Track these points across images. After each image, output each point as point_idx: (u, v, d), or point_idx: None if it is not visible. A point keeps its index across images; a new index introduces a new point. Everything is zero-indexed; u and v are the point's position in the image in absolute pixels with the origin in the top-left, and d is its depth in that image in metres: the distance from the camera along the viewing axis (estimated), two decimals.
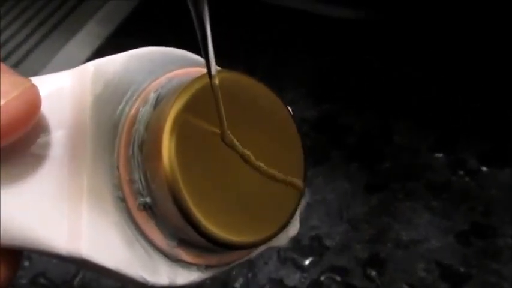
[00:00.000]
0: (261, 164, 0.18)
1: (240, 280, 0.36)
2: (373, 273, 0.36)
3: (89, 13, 0.52)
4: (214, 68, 0.16)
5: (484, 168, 0.40)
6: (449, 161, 0.41)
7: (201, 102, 0.17)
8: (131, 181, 0.17)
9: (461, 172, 0.40)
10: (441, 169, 0.40)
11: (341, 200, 0.39)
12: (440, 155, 0.41)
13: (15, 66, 0.49)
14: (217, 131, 0.17)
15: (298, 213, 0.20)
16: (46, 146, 0.17)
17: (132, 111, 0.18)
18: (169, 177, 0.16)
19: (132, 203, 0.17)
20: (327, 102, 0.44)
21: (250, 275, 0.36)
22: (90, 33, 0.51)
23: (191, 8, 0.15)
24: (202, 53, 0.16)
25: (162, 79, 0.19)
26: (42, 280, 0.36)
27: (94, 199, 0.17)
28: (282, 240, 0.20)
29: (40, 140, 0.17)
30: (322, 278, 0.36)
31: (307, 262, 0.36)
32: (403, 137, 0.42)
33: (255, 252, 0.20)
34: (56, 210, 0.17)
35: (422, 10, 0.46)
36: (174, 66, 0.19)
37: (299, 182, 0.19)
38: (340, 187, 0.40)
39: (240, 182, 0.18)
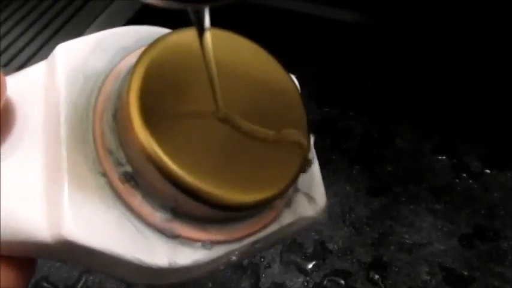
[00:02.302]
0: (252, 125, 0.16)
1: (244, 284, 0.36)
2: (377, 276, 0.36)
3: (91, 16, 0.53)
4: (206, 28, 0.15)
5: (487, 171, 0.40)
6: (452, 164, 0.40)
7: (168, 58, 0.16)
8: (109, 152, 0.16)
9: (464, 175, 0.40)
10: (444, 172, 0.40)
11: (344, 204, 0.39)
12: (443, 158, 0.41)
13: (18, 70, 0.49)
14: (193, 87, 0.16)
15: (320, 182, 0.18)
16: (22, 132, 0.17)
17: (105, 86, 0.17)
18: (142, 137, 0.15)
19: (113, 176, 0.16)
20: (328, 106, 0.44)
21: (253, 278, 0.36)
22: None
23: (192, 17, 0.15)
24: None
25: (135, 53, 0.18)
26: (45, 284, 0.36)
27: (74, 178, 0.16)
28: (310, 210, 0.18)
29: (16, 127, 0.17)
30: (325, 282, 0.36)
31: (310, 266, 0.36)
32: (405, 140, 0.42)
33: (270, 229, 0.18)
34: (36, 195, 0.16)
35: (424, 13, 0.46)
36: (148, 42, 0.18)
37: (301, 140, 0.17)
38: (343, 191, 0.40)
39: (227, 143, 0.16)
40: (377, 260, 0.36)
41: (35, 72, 0.18)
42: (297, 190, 0.19)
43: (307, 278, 0.36)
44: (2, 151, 0.16)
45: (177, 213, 0.16)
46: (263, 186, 0.16)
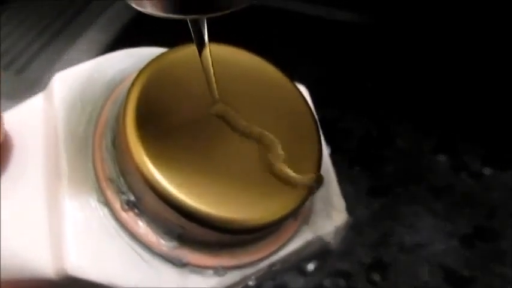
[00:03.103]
0: (259, 145, 0.15)
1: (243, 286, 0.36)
2: (377, 277, 0.36)
3: (90, 20, 0.53)
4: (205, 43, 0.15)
5: (487, 171, 0.40)
6: (451, 163, 0.40)
7: (163, 78, 0.16)
8: (110, 180, 0.16)
9: (464, 175, 0.40)
10: (444, 172, 0.40)
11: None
12: (443, 157, 0.41)
13: (17, 74, 0.49)
14: (192, 105, 0.15)
15: (339, 196, 0.17)
16: (22, 165, 0.16)
17: (104, 112, 0.17)
18: (141, 164, 0.14)
19: (116, 205, 0.16)
20: (327, 106, 0.44)
21: (253, 281, 0.36)
22: (92, 40, 0.51)
23: (191, 27, 0.15)
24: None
25: (132, 76, 0.17)
26: None
27: (76, 210, 0.16)
28: (329, 226, 0.17)
29: (16, 161, 0.16)
30: (325, 283, 0.36)
31: (310, 267, 0.36)
32: (404, 140, 0.42)
33: (287, 250, 0.17)
34: (38, 230, 0.15)
35: (424, 13, 0.46)
36: (144, 64, 0.17)
37: (310, 164, 0.16)
38: (343, 191, 0.40)
39: (233, 163, 0.15)
40: (377, 261, 0.36)
41: (33, 103, 0.17)
42: (313, 205, 0.18)
43: (308, 279, 0.36)
44: (2, 186, 0.16)
45: (185, 239, 0.16)
46: (274, 206, 0.15)
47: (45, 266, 0.15)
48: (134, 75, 0.17)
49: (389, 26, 0.48)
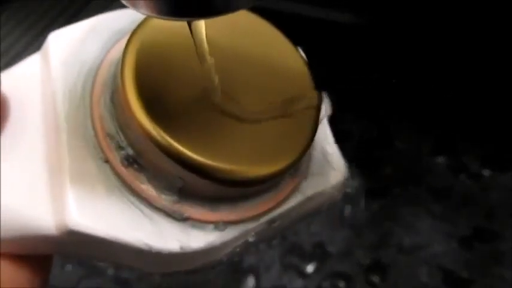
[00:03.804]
0: (255, 104, 0.15)
1: (243, 287, 0.36)
2: (376, 278, 0.36)
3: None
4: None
5: (486, 172, 0.40)
6: (450, 165, 0.40)
7: (160, 35, 0.16)
8: (109, 136, 0.16)
9: (463, 176, 0.40)
10: (443, 173, 0.40)
11: (342, 206, 0.39)
12: (442, 159, 0.41)
13: None
14: (190, 62, 0.15)
15: (336, 149, 0.18)
16: (21, 125, 0.16)
17: (101, 71, 0.17)
18: (140, 117, 0.14)
19: (115, 161, 0.16)
20: None
21: (252, 282, 0.36)
22: None
23: (190, 27, 0.15)
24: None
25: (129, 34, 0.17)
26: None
27: (76, 167, 0.15)
28: (331, 179, 0.17)
29: (14, 121, 0.16)
30: (325, 284, 0.36)
31: (309, 268, 0.36)
32: (403, 142, 0.42)
33: (288, 205, 0.17)
34: (38, 187, 0.16)
35: (422, 13, 0.46)
36: None
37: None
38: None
39: (232, 119, 0.15)
40: (376, 262, 0.36)
41: (29, 64, 0.17)
42: (313, 160, 0.18)
43: (307, 281, 0.36)
44: (1, 145, 0.16)
45: (185, 194, 0.15)
46: (274, 157, 0.15)
47: (46, 222, 0.15)
48: (130, 33, 0.17)
49: (387, 27, 0.48)
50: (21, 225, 0.15)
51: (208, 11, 0.13)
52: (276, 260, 0.37)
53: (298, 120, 0.16)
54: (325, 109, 0.18)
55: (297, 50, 0.18)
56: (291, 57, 0.17)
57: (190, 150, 0.14)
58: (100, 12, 0.17)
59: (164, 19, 0.13)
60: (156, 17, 0.13)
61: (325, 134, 0.19)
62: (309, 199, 0.17)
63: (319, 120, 0.16)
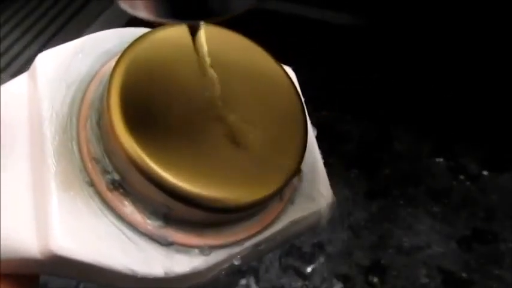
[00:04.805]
0: (244, 124, 0.16)
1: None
2: (375, 280, 0.36)
3: (91, 18, 0.52)
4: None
5: (485, 173, 0.40)
6: (449, 166, 0.40)
7: (148, 57, 0.16)
8: (95, 160, 0.16)
9: (462, 177, 0.40)
10: (442, 174, 0.40)
11: (342, 207, 0.39)
12: (441, 160, 0.41)
13: (16, 74, 0.49)
14: (178, 85, 0.15)
15: (324, 176, 0.17)
16: (7, 147, 0.16)
17: (88, 93, 0.17)
18: (125, 142, 0.14)
19: (101, 185, 0.15)
20: (325, 109, 0.44)
21: (252, 283, 0.36)
22: None
23: (188, 29, 0.15)
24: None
25: (118, 56, 0.17)
26: None
27: (61, 190, 0.15)
28: (314, 206, 0.17)
29: (1, 143, 0.16)
30: (324, 286, 0.36)
31: (308, 269, 0.36)
32: (402, 143, 0.42)
33: (272, 229, 0.17)
34: (24, 211, 0.15)
35: (421, 16, 0.46)
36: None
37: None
38: (341, 194, 0.40)
39: (217, 142, 0.15)
40: (375, 263, 0.36)
41: (17, 84, 0.17)
42: (299, 186, 0.18)
43: (306, 282, 0.36)
44: None
45: (170, 219, 0.15)
46: (261, 183, 0.15)
47: (30, 246, 0.15)
48: (119, 54, 0.16)
49: (387, 28, 0.48)
50: (5, 248, 0.15)
51: (206, 13, 0.13)
52: (275, 261, 0.37)
53: (286, 145, 0.16)
54: (312, 132, 0.18)
55: (286, 72, 0.18)
56: (281, 81, 0.17)
57: (175, 178, 0.14)
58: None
59: (163, 22, 0.13)
60: (155, 20, 0.13)
61: (314, 159, 0.18)
62: (295, 223, 0.17)
63: (306, 144, 0.16)
